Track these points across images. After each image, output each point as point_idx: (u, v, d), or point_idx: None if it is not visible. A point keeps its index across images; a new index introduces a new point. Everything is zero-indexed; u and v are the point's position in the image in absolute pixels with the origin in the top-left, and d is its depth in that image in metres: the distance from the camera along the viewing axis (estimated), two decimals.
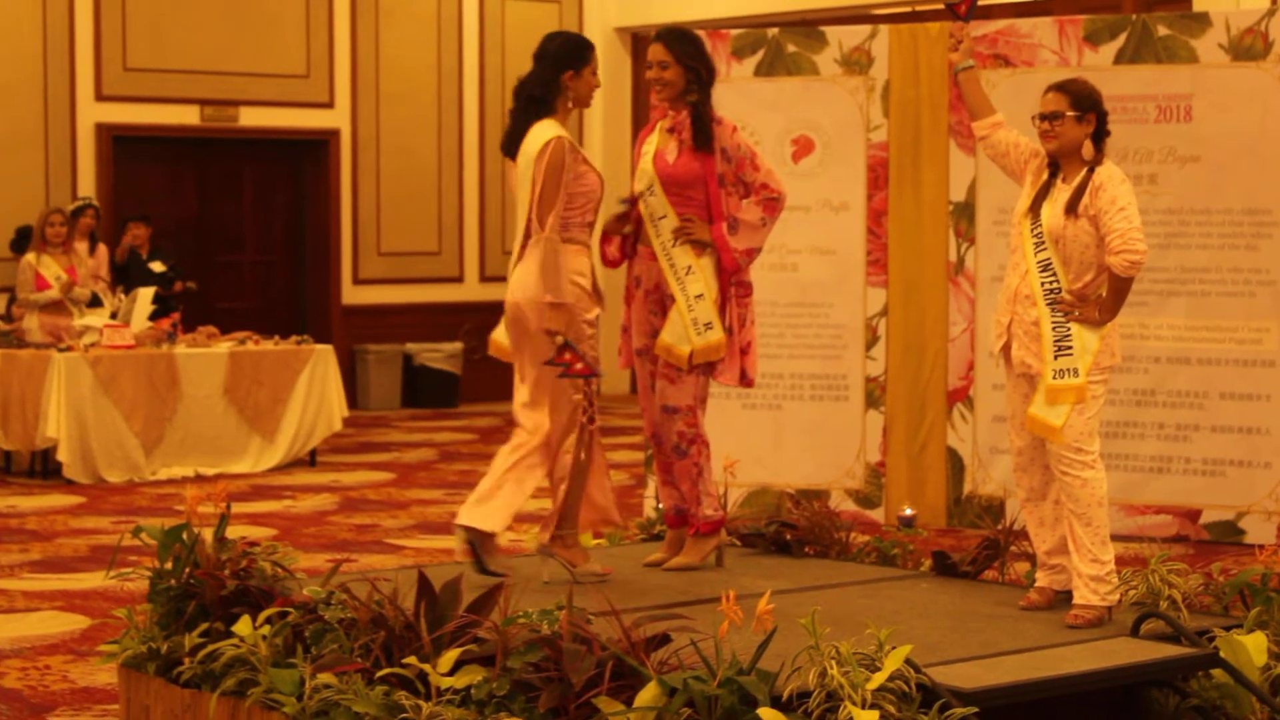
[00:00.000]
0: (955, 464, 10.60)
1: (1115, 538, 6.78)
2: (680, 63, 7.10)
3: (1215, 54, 10.10)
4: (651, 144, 7.23)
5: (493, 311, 19.90)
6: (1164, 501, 10.22)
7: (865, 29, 10.89)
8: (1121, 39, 10.30)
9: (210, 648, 6.26)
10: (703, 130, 7.07)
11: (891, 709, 5.10)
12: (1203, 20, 10.24)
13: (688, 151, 7.10)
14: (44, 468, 13.12)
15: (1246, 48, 10.04)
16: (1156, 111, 10.21)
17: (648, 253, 7.17)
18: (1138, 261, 6.43)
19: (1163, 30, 10.23)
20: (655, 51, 7.16)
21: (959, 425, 10.59)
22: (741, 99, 10.74)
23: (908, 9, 15.57)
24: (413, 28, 18.02)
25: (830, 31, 10.95)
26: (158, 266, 15.51)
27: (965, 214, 10.56)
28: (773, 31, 11.01)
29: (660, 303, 7.15)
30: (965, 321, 10.57)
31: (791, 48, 10.88)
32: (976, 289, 10.51)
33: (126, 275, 15.13)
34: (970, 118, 7.11)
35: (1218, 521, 10.12)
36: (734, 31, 11.09)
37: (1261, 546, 6.89)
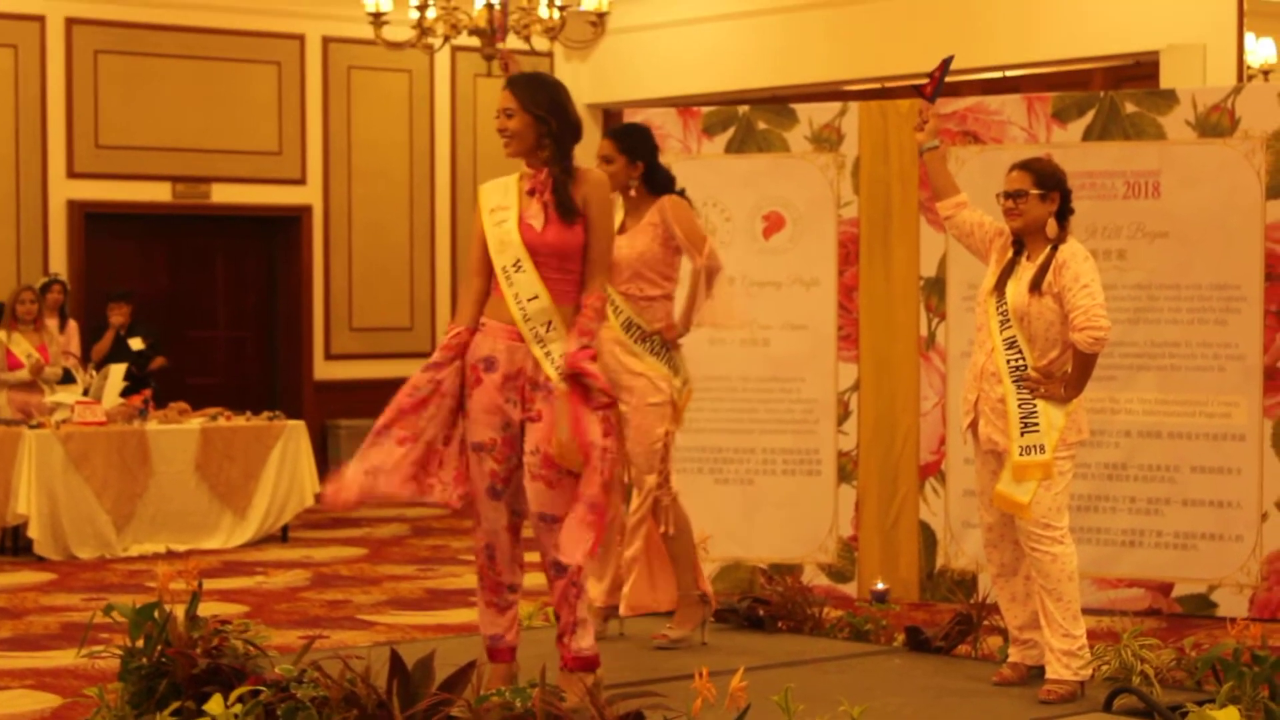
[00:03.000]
0: (928, 538, 10.61)
1: (1088, 611, 6.81)
2: (527, 111, 6.28)
3: (1182, 130, 10.17)
4: (509, 210, 6.33)
5: None
6: (1136, 575, 10.24)
7: (835, 106, 10.96)
8: (1090, 116, 10.37)
9: None
10: (565, 198, 6.25)
11: None
12: (1169, 97, 10.32)
13: (555, 219, 6.24)
14: (14, 544, 13.08)
15: (1213, 124, 10.12)
16: (1125, 187, 10.27)
17: (507, 331, 6.22)
18: (1101, 338, 6.48)
19: (1130, 107, 10.30)
20: (501, 97, 6.35)
21: (931, 499, 10.61)
22: (713, 175, 10.81)
23: (878, 85, 15.66)
24: (384, 105, 18.08)
25: (800, 109, 11.02)
26: (136, 344, 15.51)
27: (936, 289, 10.61)
28: (743, 109, 11.08)
29: (521, 391, 6.21)
30: (937, 396, 10.60)
31: (762, 125, 10.94)
32: (948, 364, 10.55)
33: (107, 352, 15.12)
34: (934, 197, 7.18)
35: (1190, 595, 10.14)
36: (705, 109, 11.16)
37: (1233, 620, 6.92)
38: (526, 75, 6.43)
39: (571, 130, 6.35)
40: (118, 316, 15.55)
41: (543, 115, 6.28)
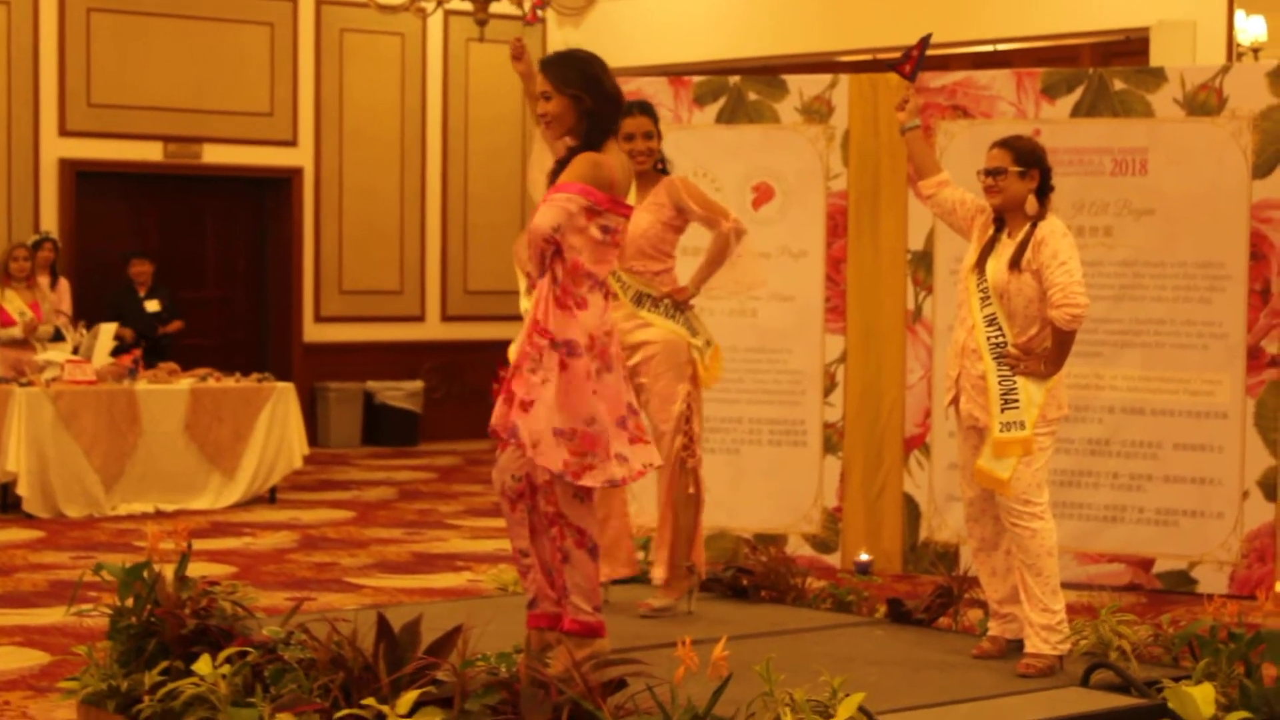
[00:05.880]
0: (911, 510, 10.68)
1: (1069, 586, 6.88)
2: (562, 93, 6.22)
3: (1170, 109, 10.22)
4: None
5: (453, 350, 19.90)
6: (1117, 550, 10.31)
7: (826, 78, 10.99)
8: (1079, 92, 10.41)
9: (170, 686, 6.30)
10: (556, 173, 6.25)
11: None
12: (1158, 75, 10.37)
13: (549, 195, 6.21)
14: (3, 502, 13.11)
15: (1201, 103, 10.17)
16: (1112, 164, 10.32)
17: None
18: (1079, 315, 6.54)
19: (1119, 85, 10.35)
20: (538, 80, 6.30)
21: (915, 472, 10.67)
22: (703, 146, 10.85)
23: (869, 56, 15.71)
24: (376, 68, 18.11)
25: (791, 80, 11.06)
26: (153, 305, 15.59)
27: (923, 263, 10.66)
28: (734, 79, 11.12)
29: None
30: (922, 369, 10.66)
31: (753, 96, 10.98)
32: (934, 337, 10.61)
33: (120, 311, 15.31)
34: (916, 176, 7.24)
35: (1170, 571, 10.21)
36: (696, 79, 11.19)
37: (1210, 596, 6.99)
38: (559, 55, 6.34)
39: (609, 103, 6.24)
40: (138, 274, 15.67)
41: (577, 94, 6.19)
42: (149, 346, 15.01)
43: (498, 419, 6.12)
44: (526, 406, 6.03)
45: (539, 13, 8.21)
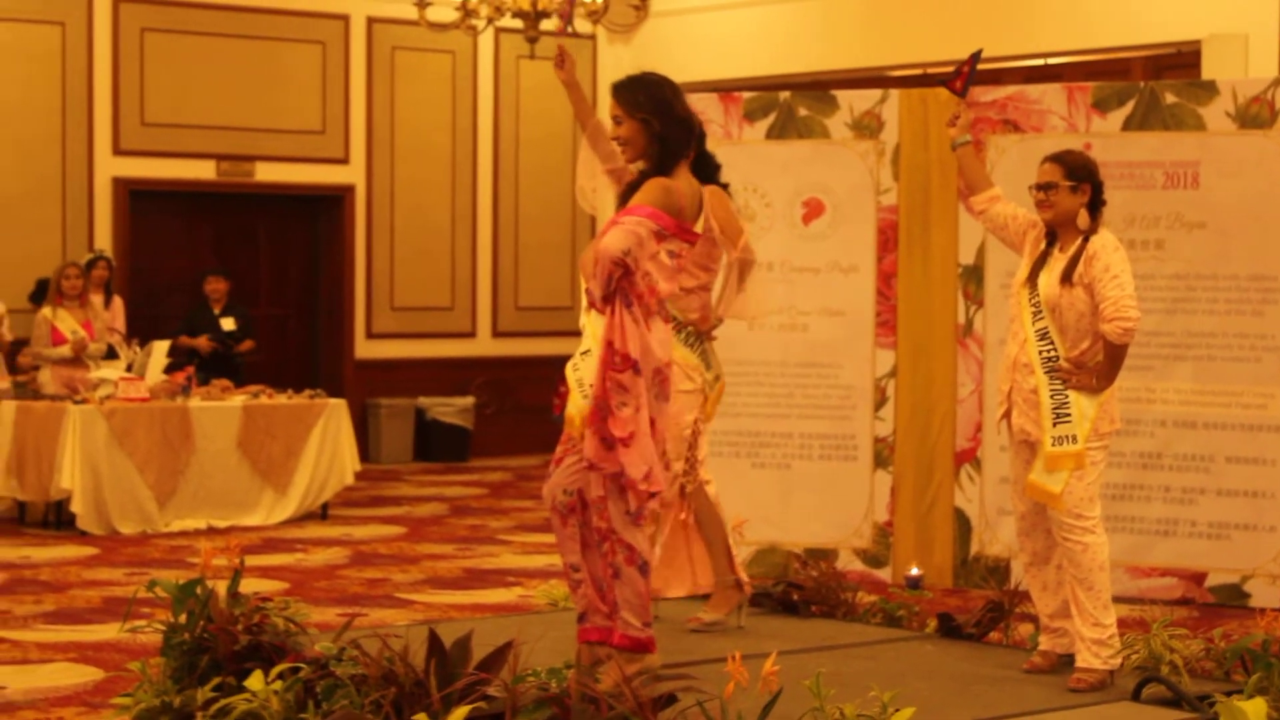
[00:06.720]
0: (962, 524, 10.66)
1: (1121, 599, 6.86)
2: (632, 116, 6.23)
3: (1222, 121, 10.19)
4: None
5: (504, 366, 19.90)
6: (1170, 564, 10.27)
7: (876, 93, 10.99)
8: (1130, 106, 10.39)
9: (223, 702, 6.33)
10: (624, 199, 6.29)
11: None
12: (1210, 88, 10.33)
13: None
14: (58, 519, 13.19)
15: (1253, 116, 10.14)
16: (1164, 178, 10.29)
17: None
18: (1130, 329, 6.53)
19: (1170, 98, 10.32)
20: (610, 105, 6.33)
21: (966, 486, 10.65)
22: (753, 161, 10.86)
23: (919, 71, 15.70)
24: (428, 86, 18.17)
25: (841, 95, 11.06)
26: (228, 324, 15.70)
27: (974, 277, 10.65)
28: (784, 95, 11.12)
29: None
30: (973, 383, 10.64)
31: (803, 111, 10.99)
32: (985, 351, 10.59)
33: (193, 327, 15.59)
34: (968, 191, 7.23)
35: (1223, 584, 10.17)
36: (746, 95, 11.20)
37: (1264, 610, 6.96)
38: (630, 78, 6.34)
39: (678, 125, 6.24)
40: (213, 290, 15.80)
41: (646, 118, 6.19)
42: (222, 363, 15.16)
43: (597, 457, 6.09)
44: (627, 442, 6.02)
45: (568, 26, 8.12)
